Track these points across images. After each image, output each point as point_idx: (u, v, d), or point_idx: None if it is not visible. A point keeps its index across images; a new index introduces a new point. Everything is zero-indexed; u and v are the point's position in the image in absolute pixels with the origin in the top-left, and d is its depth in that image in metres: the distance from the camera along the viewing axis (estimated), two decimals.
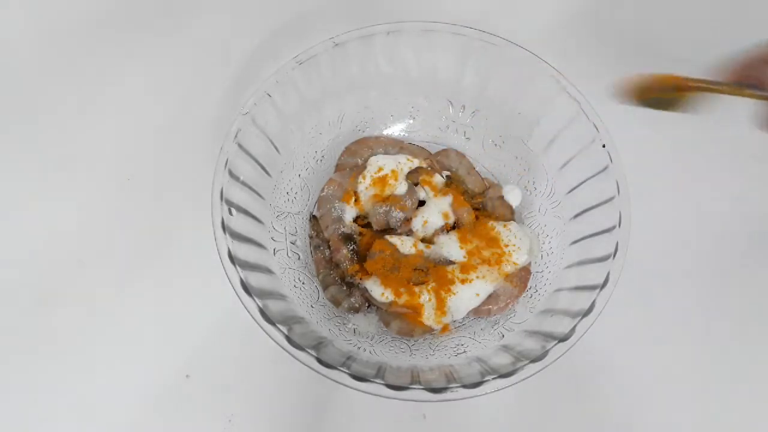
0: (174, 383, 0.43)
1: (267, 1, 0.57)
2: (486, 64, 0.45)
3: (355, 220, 0.46)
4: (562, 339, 0.36)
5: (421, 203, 0.47)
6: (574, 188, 0.44)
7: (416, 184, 0.47)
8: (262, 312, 0.36)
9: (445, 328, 0.43)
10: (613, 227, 0.39)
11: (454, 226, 0.46)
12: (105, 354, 0.44)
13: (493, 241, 0.44)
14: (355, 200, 0.46)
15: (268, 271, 0.41)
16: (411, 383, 0.35)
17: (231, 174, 0.40)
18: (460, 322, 0.44)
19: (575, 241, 0.43)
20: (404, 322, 0.42)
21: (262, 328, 0.36)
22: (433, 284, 0.42)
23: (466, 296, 0.42)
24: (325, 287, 0.44)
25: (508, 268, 0.43)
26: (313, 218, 0.47)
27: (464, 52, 0.45)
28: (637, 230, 0.40)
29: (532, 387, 0.37)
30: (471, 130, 0.49)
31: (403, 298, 0.42)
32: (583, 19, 0.58)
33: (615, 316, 0.39)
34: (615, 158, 0.41)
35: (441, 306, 0.42)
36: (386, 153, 0.48)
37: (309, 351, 0.35)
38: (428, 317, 0.42)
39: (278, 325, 0.36)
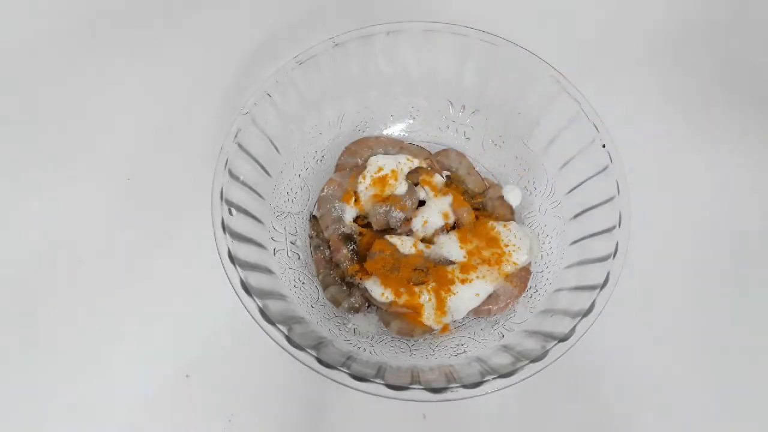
0: (174, 383, 0.43)
1: (267, 1, 0.57)
2: (486, 64, 0.45)
3: (355, 220, 0.46)
4: (562, 339, 0.36)
5: (421, 203, 0.47)
6: (574, 188, 0.44)
7: (416, 184, 0.47)
8: (262, 312, 0.36)
9: (445, 328, 0.43)
10: (613, 227, 0.39)
11: (454, 226, 0.46)
12: (105, 354, 0.44)
13: (493, 241, 0.44)
14: (355, 200, 0.46)
15: (268, 271, 0.41)
16: (411, 383, 0.35)
17: (231, 174, 0.40)
18: (460, 322, 0.44)
19: (575, 241, 0.43)
20: (404, 322, 0.42)
21: (262, 328, 0.36)
22: (433, 284, 0.42)
23: (466, 296, 0.42)
24: (325, 287, 0.44)
25: (508, 268, 0.43)
26: (313, 218, 0.47)
27: (464, 52, 0.45)
28: (637, 230, 0.40)
29: (532, 387, 0.37)
30: (471, 130, 0.49)
31: (403, 298, 0.42)
32: (583, 19, 0.58)
33: (615, 316, 0.39)
34: (615, 158, 0.41)
35: (441, 306, 0.42)
36: (386, 153, 0.48)
37: (309, 351, 0.35)
38: (428, 317, 0.42)
39: (278, 325, 0.36)
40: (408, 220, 0.45)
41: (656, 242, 0.48)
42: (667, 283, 0.47)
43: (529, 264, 0.45)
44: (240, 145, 0.41)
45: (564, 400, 0.44)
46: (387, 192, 0.46)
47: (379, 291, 0.42)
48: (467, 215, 0.46)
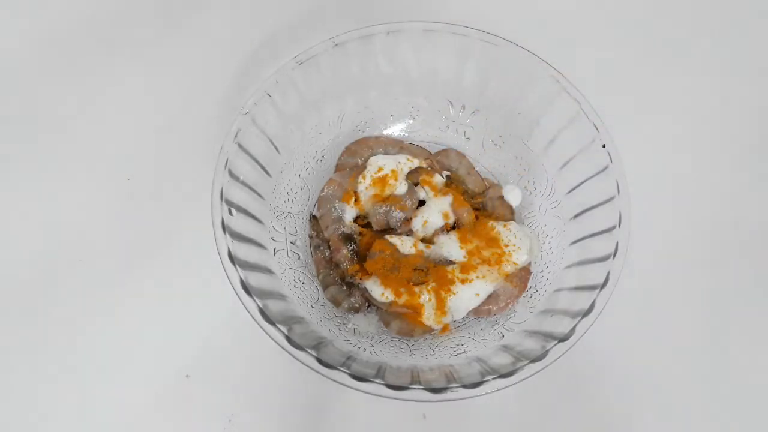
0: (174, 383, 0.43)
1: (267, 1, 0.57)
2: (486, 64, 0.45)
3: (355, 220, 0.46)
4: (562, 339, 0.36)
5: (421, 203, 0.47)
6: (574, 188, 0.44)
7: (416, 184, 0.47)
8: (262, 312, 0.36)
9: (445, 328, 0.43)
10: (613, 227, 0.39)
11: (454, 226, 0.46)
12: (105, 354, 0.44)
13: (493, 241, 0.44)
14: (355, 200, 0.46)
15: (268, 271, 0.41)
16: (411, 383, 0.35)
17: (231, 174, 0.40)
18: (460, 322, 0.44)
19: (575, 241, 0.43)
20: (404, 322, 0.42)
21: (262, 328, 0.36)
22: (433, 284, 0.42)
23: (466, 296, 0.42)
24: (325, 287, 0.44)
25: (508, 268, 0.43)
26: (313, 218, 0.47)
27: (464, 52, 0.45)
28: (637, 230, 0.40)
29: (532, 387, 0.37)
30: (471, 130, 0.49)
31: (403, 298, 0.42)
32: (583, 19, 0.58)
33: (615, 316, 0.39)
34: (615, 158, 0.41)
35: (441, 306, 0.42)
36: (386, 153, 0.48)
37: (309, 351, 0.35)
38: (428, 317, 0.42)
39: (278, 325, 0.36)
40: (408, 220, 0.45)
41: (656, 242, 0.48)
42: (667, 283, 0.47)
43: (529, 264, 0.45)
44: (240, 145, 0.41)
45: (564, 400, 0.44)
46: (387, 192, 0.46)
47: (379, 291, 0.42)
48: (467, 215, 0.46)
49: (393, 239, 0.44)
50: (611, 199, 0.40)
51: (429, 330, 0.42)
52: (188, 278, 0.46)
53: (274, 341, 0.35)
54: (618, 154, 0.41)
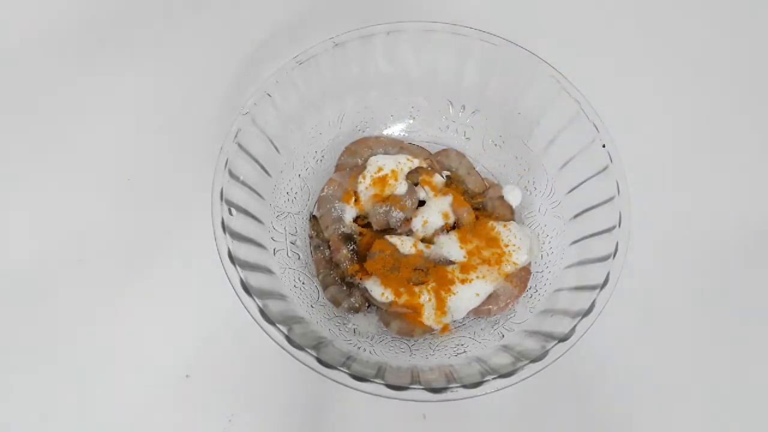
0: (174, 383, 0.43)
1: (267, 1, 0.57)
2: (486, 64, 0.45)
3: (355, 220, 0.46)
4: (562, 339, 0.36)
5: (421, 203, 0.47)
6: (574, 188, 0.43)
7: (416, 184, 0.47)
8: (262, 312, 0.36)
9: (445, 328, 0.43)
10: (613, 227, 0.39)
11: (454, 226, 0.46)
12: (105, 354, 0.44)
13: (493, 241, 0.44)
14: (355, 200, 0.46)
15: (268, 271, 0.41)
16: (411, 383, 0.35)
17: (231, 174, 0.40)
18: (460, 322, 0.44)
19: (575, 241, 0.43)
20: (404, 322, 0.42)
21: (262, 328, 0.36)
22: (433, 284, 0.42)
23: (466, 296, 0.42)
24: (325, 287, 0.44)
25: (508, 268, 0.43)
26: (313, 218, 0.47)
27: (464, 52, 0.45)
28: (637, 230, 0.40)
29: (532, 387, 0.37)
30: (471, 130, 0.49)
31: (403, 298, 0.42)
32: (583, 19, 0.58)
33: (615, 316, 0.39)
34: (615, 158, 0.41)
35: (441, 306, 0.42)
36: (386, 153, 0.48)
37: (309, 351, 0.35)
38: (428, 317, 0.42)
39: (278, 325, 0.36)
40: (408, 220, 0.45)
41: (656, 242, 0.48)
42: (667, 283, 0.47)
43: (529, 264, 0.45)
44: (240, 145, 0.41)
45: (564, 400, 0.44)
46: (387, 192, 0.46)
47: (379, 291, 0.42)
48: (467, 215, 0.46)
49: (393, 239, 0.44)
50: (611, 199, 0.40)
51: (429, 330, 0.42)
52: (188, 278, 0.46)
53: (274, 341, 0.35)
54: (618, 154, 0.41)
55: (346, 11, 0.56)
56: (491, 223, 0.45)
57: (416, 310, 0.42)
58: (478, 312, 0.43)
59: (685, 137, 0.53)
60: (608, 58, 0.55)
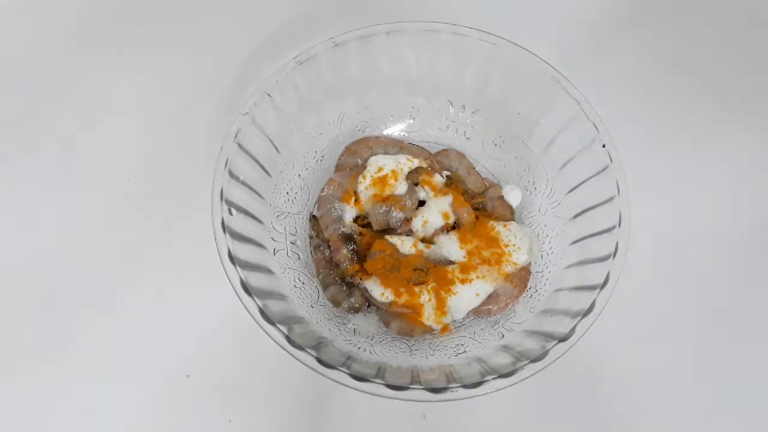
0: (174, 383, 0.43)
1: (267, 1, 0.57)
2: (486, 64, 0.45)
3: (355, 220, 0.46)
4: (562, 339, 0.36)
5: (421, 203, 0.47)
6: (574, 188, 0.44)
7: (416, 184, 0.47)
8: (262, 312, 0.36)
9: (445, 328, 0.43)
10: (613, 227, 0.39)
11: (454, 226, 0.46)
12: (105, 354, 0.44)
13: (493, 241, 0.44)
14: (355, 200, 0.46)
15: (268, 271, 0.41)
16: (411, 383, 0.35)
17: (231, 174, 0.40)
18: (460, 322, 0.44)
19: (575, 241, 0.43)
20: (404, 322, 0.42)
21: (262, 328, 0.36)
22: (433, 284, 0.42)
23: (466, 296, 0.42)
24: (325, 287, 0.44)
25: (508, 268, 0.43)
26: (313, 218, 0.47)
27: (464, 52, 0.45)
28: (637, 230, 0.40)
29: (532, 387, 0.37)
30: (471, 130, 0.49)
31: (403, 298, 0.42)
32: (583, 19, 0.58)
33: (615, 316, 0.39)
34: (615, 158, 0.41)
35: (441, 306, 0.42)
36: (386, 153, 0.48)
37: (309, 351, 0.35)
38: (428, 317, 0.42)
39: (278, 325, 0.36)
40: (408, 220, 0.45)
41: (656, 242, 0.48)
42: (667, 283, 0.47)
43: (529, 264, 0.45)
44: (240, 145, 0.41)
45: (564, 400, 0.44)
46: (387, 192, 0.46)
47: (379, 291, 0.42)
48: (467, 215, 0.46)
49: (393, 239, 0.44)
50: (611, 199, 0.40)
51: (429, 330, 0.42)
52: (188, 278, 0.46)
53: (274, 341, 0.35)
54: (618, 154, 0.41)
55: (346, 11, 0.56)
56: (491, 223, 0.45)
57: (416, 310, 0.42)
58: (478, 312, 0.43)
59: (686, 137, 0.53)
60: (608, 58, 0.55)
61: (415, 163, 0.47)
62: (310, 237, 0.46)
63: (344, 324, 0.43)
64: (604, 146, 0.41)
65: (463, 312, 0.42)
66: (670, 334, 0.46)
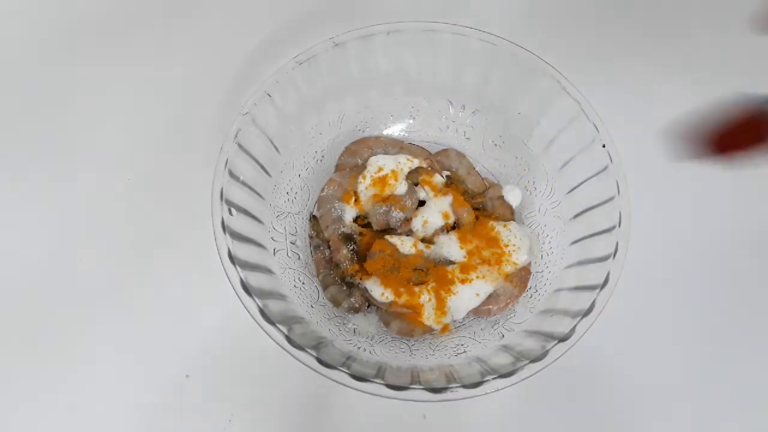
0: (174, 383, 0.43)
1: (267, 1, 0.57)
2: (486, 64, 0.45)
3: (355, 220, 0.46)
4: (562, 339, 0.36)
5: (421, 203, 0.47)
6: (574, 188, 0.43)
7: (416, 184, 0.47)
8: (262, 312, 0.36)
9: (445, 328, 0.43)
10: (613, 227, 0.39)
11: (454, 226, 0.46)
12: (105, 354, 0.44)
13: (493, 241, 0.44)
14: (355, 200, 0.46)
15: (268, 271, 0.41)
16: (411, 383, 0.35)
17: (231, 174, 0.40)
18: (460, 322, 0.44)
19: (575, 241, 0.43)
20: (404, 322, 0.42)
21: (262, 328, 0.36)
22: (433, 284, 0.42)
23: (466, 296, 0.42)
24: (325, 287, 0.44)
25: (508, 268, 0.43)
26: (313, 218, 0.47)
27: (464, 52, 0.45)
28: (637, 230, 0.40)
29: (532, 387, 0.37)
30: (471, 130, 0.49)
31: (403, 298, 0.42)
32: (583, 19, 0.58)
33: (615, 316, 0.39)
34: (615, 158, 0.41)
35: (441, 306, 0.42)
36: (386, 153, 0.48)
37: (309, 351, 0.35)
38: (428, 317, 0.42)
39: (278, 325, 0.36)
40: (408, 220, 0.45)
41: (656, 242, 0.48)
42: (667, 283, 0.47)
43: (529, 264, 0.45)
44: (240, 145, 0.41)
45: (564, 400, 0.44)
46: (387, 192, 0.46)
47: (379, 291, 0.42)
48: (467, 215, 0.46)
49: (393, 239, 0.44)
50: (611, 199, 0.40)
51: (429, 330, 0.42)
52: (188, 278, 0.46)
53: (274, 341, 0.35)
54: (618, 154, 0.41)
55: (346, 11, 0.56)
56: (491, 223, 0.45)
57: (416, 310, 0.42)
58: (478, 312, 0.43)
59: None
60: (608, 58, 0.55)
61: (415, 163, 0.47)
62: (310, 237, 0.46)
63: (344, 324, 0.43)
64: (604, 146, 0.41)
65: (463, 312, 0.42)
66: (670, 334, 0.46)
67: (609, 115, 0.42)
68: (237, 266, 0.37)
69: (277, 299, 0.39)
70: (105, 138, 0.51)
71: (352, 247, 0.45)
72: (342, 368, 0.35)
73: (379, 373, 0.36)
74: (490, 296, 0.43)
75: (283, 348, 0.35)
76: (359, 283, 0.43)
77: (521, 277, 0.44)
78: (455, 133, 0.50)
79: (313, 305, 0.43)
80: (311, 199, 0.47)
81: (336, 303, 0.43)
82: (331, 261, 0.45)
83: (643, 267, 0.45)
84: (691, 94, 0.55)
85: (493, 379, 0.35)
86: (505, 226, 0.45)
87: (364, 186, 0.46)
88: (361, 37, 0.44)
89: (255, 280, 0.38)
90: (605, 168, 0.41)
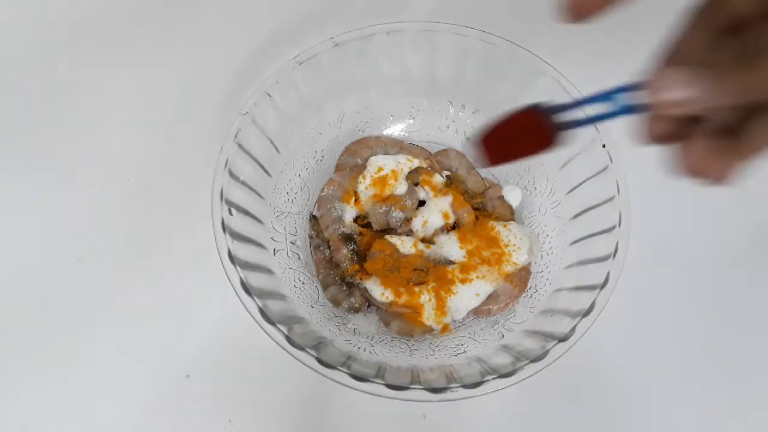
0: (174, 383, 0.43)
1: (267, 1, 0.57)
2: (486, 64, 0.45)
3: (355, 220, 0.46)
4: (562, 339, 0.36)
5: (421, 203, 0.47)
6: (574, 188, 0.43)
7: (416, 184, 0.47)
8: (262, 312, 0.36)
9: (445, 328, 0.43)
10: (613, 227, 0.39)
11: (454, 226, 0.46)
12: (105, 354, 0.44)
13: (493, 241, 0.44)
14: (355, 200, 0.46)
15: (268, 271, 0.41)
16: (411, 383, 0.35)
17: (231, 174, 0.40)
18: (460, 322, 0.44)
19: (575, 241, 0.43)
20: (404, 322, 0.42)
21: (262, 328, 0.36)
22: (433, 284, 0.42)
23: (466, 296, 0.42)
24: (325, 287, 0.44)
25: (508, 268, 0.43)
26: (313, 218, 0.47)
27: (464, 52, 0.45)
28: (637, 230, 0.40)
29: (532, 387, 0.37)
30: (471, 130, 0.49)
31: (403, 298, 0.42)
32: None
33: (615, 316, 0.39)
34: (615, 158, 0.41)
35: (441, 306, 0.42)
36: (386, 153, 0.48)
37: (309, 351, 0.35)
38: (428, 317, 0.42)
39: (278, 325, 0.36)
40: (408, 220, 0.45)
41: (656, 242, 0.48)
42: (667, 283, 0.47)
43: (529, 264, 0.45)
44: (240, 145, 0.41)
45: (564, 400, 0.44)
46: (387, 192, 0.46)
47: (379, 291, 0.42)
48: (467, 215, 0.46)
49: (393, 239, 0.44)
50: (611, 199, 0.40)
51: (429, 330, 0.42)
52: (188, 278, 0.46)
53: (274, 341, 0.35)
54: (618, 154, 0.41)
55: (346, 11, 0.56)
56: (491, 223, 0.45)
57: (416, 310, 0.42)
58: (478, 312, 0.43)
59: None
60: (608, 58, 0.55)
61: (415, 163, 0.47)
62: (310, 237, 0.46)
63: (344, 324, 0.43)
64: (604, 146, 0.41)
65: (463, 312, 0.42)
66: (670, 334, 0.46)
67: None
68: (237, 266, 0.37)
69: (277, 299, 0.39)
70: (105, 138, 0.51)
71: (352, 247, 0.45)
72: (342, 368, 0.35)
73: (379, 373, 0.36)
74: (490, 296, 0.43)
75: (283, 348, 0.35)
76: (359, 283, 0.43)
77: (521, 277, 0.44)
78: (455, 133, 0.50)
79: (313, 305, 0.43)
80: (311, 199, 0.47)
81: (336, 303, 0.43)
82: (331, 261, 0.45)
83: (643, 267, 0.45)
84: None
85: (493, 379, 0.35)
86: (505, 226, 0.45)
87: (364, 186, 0.46)
88: (361, 37, 0.44)
89: (255, 280, 0.38)
90: (605, 168, 0.41)
